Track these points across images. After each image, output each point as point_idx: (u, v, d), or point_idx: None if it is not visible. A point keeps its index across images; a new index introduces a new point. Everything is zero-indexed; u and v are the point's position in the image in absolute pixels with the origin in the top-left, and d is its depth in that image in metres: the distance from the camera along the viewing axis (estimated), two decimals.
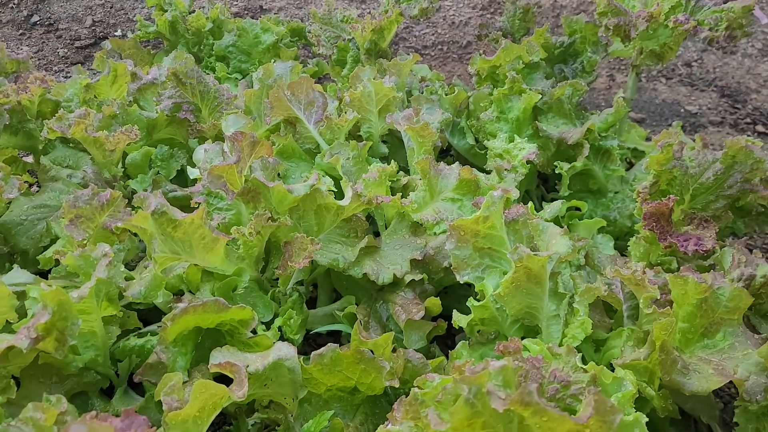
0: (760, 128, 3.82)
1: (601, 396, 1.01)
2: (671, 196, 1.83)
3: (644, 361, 1.40)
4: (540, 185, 2.71)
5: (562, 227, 1.69)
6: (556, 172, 2.35)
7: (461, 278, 1.80)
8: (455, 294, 2.14)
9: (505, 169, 2.23)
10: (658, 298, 1.54)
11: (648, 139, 3.02)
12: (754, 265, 1.66)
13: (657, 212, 1.83)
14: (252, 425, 1.68)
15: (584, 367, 1.30)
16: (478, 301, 1.73)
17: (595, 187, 2.41)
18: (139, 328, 1.95)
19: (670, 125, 3.80)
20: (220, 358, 1.46)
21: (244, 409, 1.69)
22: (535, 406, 1.01)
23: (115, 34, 4.94)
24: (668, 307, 1.50)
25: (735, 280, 1.65)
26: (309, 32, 3.40)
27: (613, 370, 1.43)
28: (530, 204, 1.76)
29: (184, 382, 1.48)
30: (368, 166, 2.28)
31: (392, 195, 2.09)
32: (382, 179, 2.06)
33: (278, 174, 2.09)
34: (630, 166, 2.86)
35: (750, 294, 1.65)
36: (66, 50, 4.74)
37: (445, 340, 2.11)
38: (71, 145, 2.57)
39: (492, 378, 1.08)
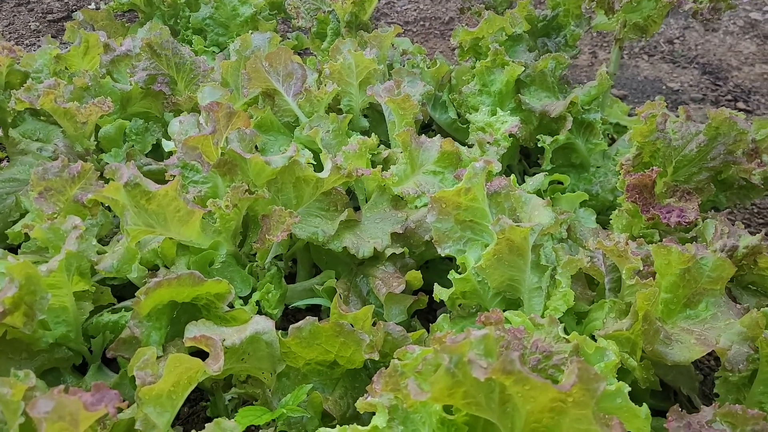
0: (740, 105, 3.83)
1: (584, 364, 0.98)
2: (654, 167, 1.81)
3: (627, 332, 1.39)
4: (522, 160, 2.68)
5: (544, 200, 1.67)
6: (539, 145, 2.32)
7: (442, 251, 1.77)
8: (436, 268, 2.11)
9: (488, 143, 2.20)
10: (641, 269, 1.52)
11: (630, 114, 3.01)
12: (736, 236, 1.65)
13: (640, 184, 1.81)
14: (229, 400, 1.65)
15: (566, 337, 1.28)
16: (460, 274, 1.71)
17: (578, 162, 2.39)
18: (113, 304, 1.90)
19: (652, 101, 3.79)
20: (195, 331, 1.42)
21: (221, 385, 1.66)
22: (517, 374, 0.99)
23: (89, 7, 4.81)
24: (651, 278, 1.49)
25: (717, 251, 1.64)
26: (288, 4, 3.32)
27: (595, 341, 1.41)
28: (512, 176, 1.74)
29: (158, 357, 1.44)
30: (348, 139, 2.24)
31: (373, 168, 2.05)
32: (363, 152, 2.02)
33: (256, 147, 2.04)
34: (612, 141, 2.84)
35: (732, 264, 1.65)
36: (38, 23, 4.60)
37: (426, 315, 2.09)
38: (42, 117, 2.49)
39: (473, 347, 1.05)
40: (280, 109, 2.36)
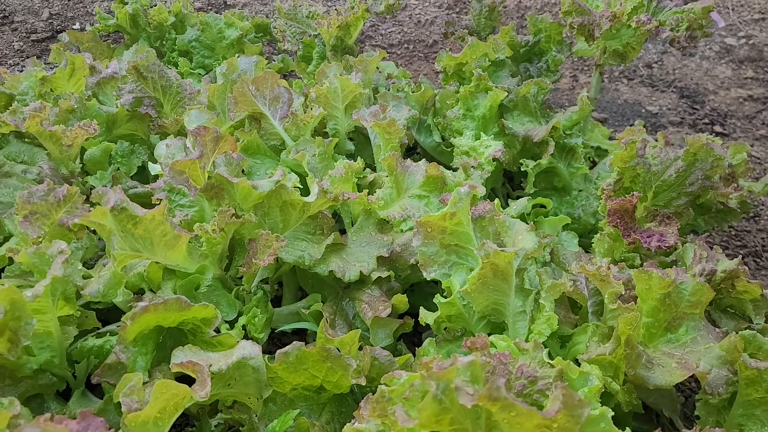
0: (717, 128, 3.91)
1: (569, 390, 1.00)
2: (635, 192, 1.85)
3: (609, 356, 1.41)
4: (506, 183, 2.72)
5: (528, 224, 1.70)
6: (522, 169, 2.36)
7: (428, 275, 1.79)
8: (422, 291, 2.13)
9: (472, 167, 2.23)
10: (623, 293, 1.55)
11: (611, 138, 3.07)
12: (714, 261, 1.68)
13: (621, 209, 1.85)
14: (215, 426, 1.64)
15: (551, 362, 1.30)
16: (445, 298, 1.72)
17: (560, 185, 2.43)
18: (98, 329, 1.89)
19: (632, 125, 3.87)
20: (182, 357, 1.42)
21: (207, 410, 1.65)
22: (504, 401, 1.01)
23: (74, 27, 4.81)
24: (632, 302, 1.52)
25: (697, 275, 1.68)
26: (274, 28, 3.35)
27: (579, 366, 1.43)
28: (497, 201, 1.76)
29: (144, 383, 1.43)
30: (334, 162, 2.26)
31: (359, 192, 2.07)
32: (349, 176, 2.04)
33: (243, 170, 2.05)
34: (593, 164, 2.90)
35: (711, 289, 1.68)
36: (21, 44, 4.59)
37: (412, 338, 2.10)
38: (26, 140, 2.48)
39: (460, 373, 1.07)
40: (266, 133, 2.38)
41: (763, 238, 2.81)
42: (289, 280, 2.11)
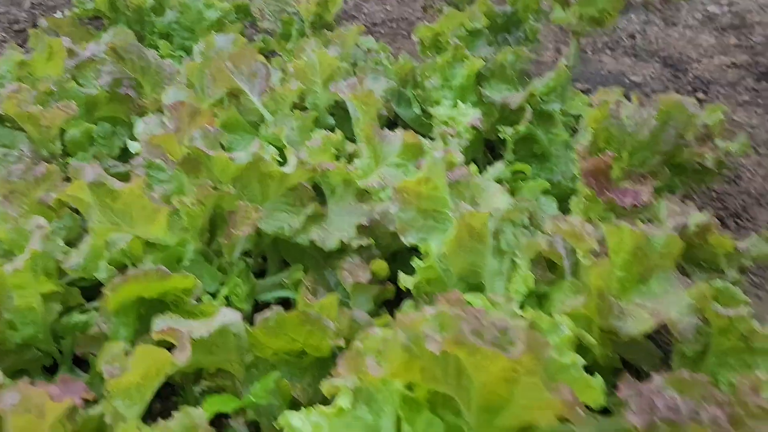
0: (700, 95, 3.93)
1: (533, 332, 1.03)
2: (609, 152, 1.87)
3: (582, 309, 1.44)
4: (487, 153, 2.73)
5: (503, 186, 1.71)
6: (501, 137, 2.37)
7: (406, 240, 1.82)
8: (403, 259, 2.14)
9: (450, 135, 2.24)
10: (597, 249, 1.57)
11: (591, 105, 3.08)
12: (687, 215, 1.71)
13: (595, 169, 1.87)
14: (200, 393, 1.67)
15: (522, 314, 1.32)
16: (424, 262, 1.75)
17: (539, 152, 2.45)
18: (83, 305, 1.91)
19: (605, 89, 3.87)
20: (162, 324, 1.44)
21: (191, 378, 1.68)
22: (470, 346, 1.03)
23: (55, 16, 4.78)
24: (605, 256, 1.54)
25: (669, 229, 1.70)
26: (253, 6, 3.34)
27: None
28: (473, 165, 1.78)
29: (126, 353, 1.46)
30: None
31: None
32: (326, 146, 2.05)
33: (222, 145, 2.06)
34: (575, 132, 2.91)
35: (684, 242, 1.71)
36: (4, 34, 4.56)
37: (393, 306, 2.12)
38: (7, 124, 2.48)
39: (428, 323, 1.09)
40: (245, 109, 2.39)
41: (743, 200, 2.84)
42: (272, 252, 2.12)
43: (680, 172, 2.27)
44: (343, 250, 1.94)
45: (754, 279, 2.43)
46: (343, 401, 1.26)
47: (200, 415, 1.30)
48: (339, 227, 1.96)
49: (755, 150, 3.17)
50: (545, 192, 2.27)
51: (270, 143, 2.28)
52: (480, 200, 1.74)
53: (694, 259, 1.80)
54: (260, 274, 2.19)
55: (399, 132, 2.09)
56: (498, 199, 1.68)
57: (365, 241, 1.94)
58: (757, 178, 2.96)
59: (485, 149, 2.70)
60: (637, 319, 1.41)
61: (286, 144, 2.16)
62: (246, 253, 2.06)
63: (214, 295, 1.88)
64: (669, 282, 1.49)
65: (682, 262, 1.81)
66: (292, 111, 2.37)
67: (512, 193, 1.75)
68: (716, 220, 1.71)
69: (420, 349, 1.06)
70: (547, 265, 1.86)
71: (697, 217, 1.69)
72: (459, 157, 1.79)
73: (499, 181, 2.25)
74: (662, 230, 1.50)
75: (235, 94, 2.42)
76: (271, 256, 2.14)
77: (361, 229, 1.96)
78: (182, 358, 1.35)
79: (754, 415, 1.12)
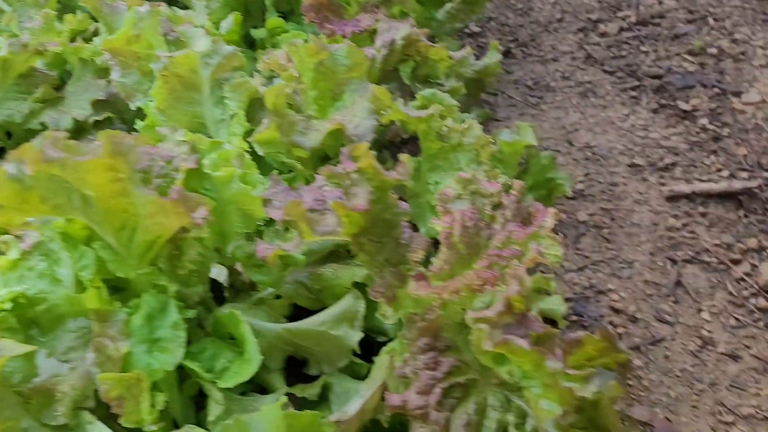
0: None
1: (114, 135, 1.04)
2: None
3: (267, 132, 1.45)
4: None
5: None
6: None
7: (133, 105, 1.78)
8: None
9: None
10: (298, 75, 1.58)
11: None
12: (395, 30, 1.72)
13: (317, 3, 1.85)
14: None
15: (185, 140, 1.33)
16: (144, 122, 1.72)
17: (288, 9, 2.40)
18: None
19: None
20: None
21: None
22: (62, 162, 1.03)
23: None
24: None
25: (380, 47, 1.72)
26: None
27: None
28: (176, 11, 1.73)
29: None
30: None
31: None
32: (49, 25, 1.95)
33: None
34: None
35: (398, 58, 1.73)
36: None
37: None
38: None
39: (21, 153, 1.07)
40: None
41: (533, 29, 2.89)
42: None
43: (440, 4, 2.28)
44: (84, 129, 1.90)
45: (531, 99, 2.52)
46: (12, 254, 1.27)
47: None
48: (75, 106, 1.90)
49: None
50: None
51: (13, 35, 2.15)
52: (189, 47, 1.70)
53: (418, 75, 1.83)
54: None
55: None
56: (200, 43, 1.65)
57: (103, 116, 1.89)
58: (546, 7, 3.01)
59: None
60: (317, 131, 1.44)
61: (19, 32, 2.04)
62: None
63: None
64: (359, 93, 1.52)
65: (407, 79, 1.85)
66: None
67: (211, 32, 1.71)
68: (422, 30, 1.73)
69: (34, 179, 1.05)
70: None
71: (402, 31, 1.71)
72: (163, 7, 1.73)
73: (261, 42, 2.22)
74: (343, 44, 1.50)
75: None
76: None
77: (99, 105, 1.91)
78: None
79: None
